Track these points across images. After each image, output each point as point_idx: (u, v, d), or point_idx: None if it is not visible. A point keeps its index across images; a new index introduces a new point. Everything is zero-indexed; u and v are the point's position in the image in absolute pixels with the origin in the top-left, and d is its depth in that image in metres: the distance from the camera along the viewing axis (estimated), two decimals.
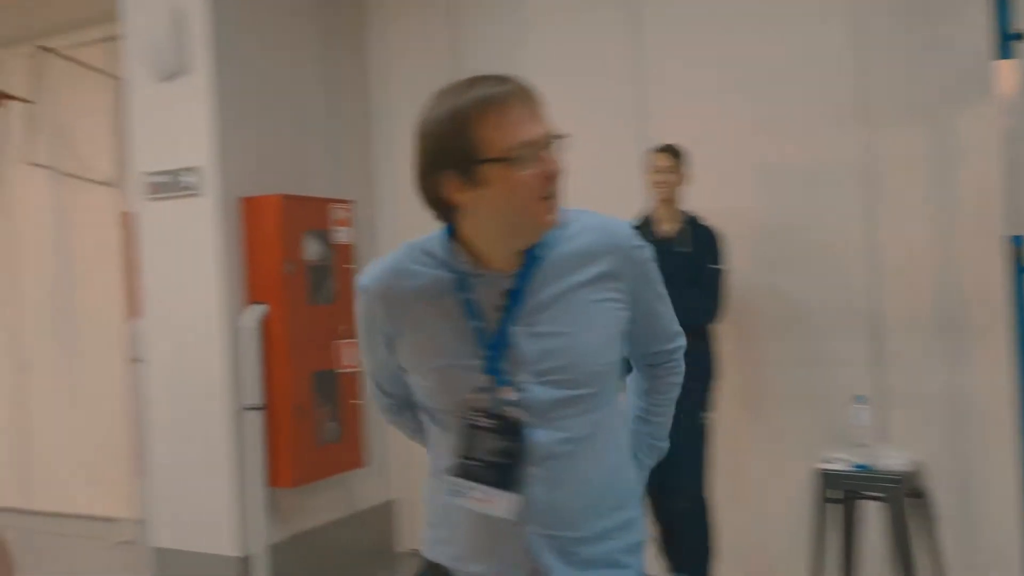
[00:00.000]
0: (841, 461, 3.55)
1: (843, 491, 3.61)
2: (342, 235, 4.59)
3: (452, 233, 1.54)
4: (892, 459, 3.51)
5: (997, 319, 3.52)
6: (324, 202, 4.55)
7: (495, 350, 1.50)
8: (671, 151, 3.85)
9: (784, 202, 4.15)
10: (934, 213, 3.88)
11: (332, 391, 4.48)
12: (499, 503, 1.48)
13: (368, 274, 1.60)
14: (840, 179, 4.04)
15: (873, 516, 3.76)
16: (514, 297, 1.51)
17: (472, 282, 1.52)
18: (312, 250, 4.42)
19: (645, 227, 3.87)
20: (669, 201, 3.86)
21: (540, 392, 1.50)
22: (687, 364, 3.84)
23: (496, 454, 1.48)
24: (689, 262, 3.75)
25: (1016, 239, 2.86)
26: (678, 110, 4.27)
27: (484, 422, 1.49)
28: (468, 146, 1.43)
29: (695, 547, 3.77)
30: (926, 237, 3.90)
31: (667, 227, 3.86)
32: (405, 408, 1.73)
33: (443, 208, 1.51)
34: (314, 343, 4.39)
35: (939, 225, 3.88)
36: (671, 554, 3.88)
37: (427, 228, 4.44)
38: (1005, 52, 2.80)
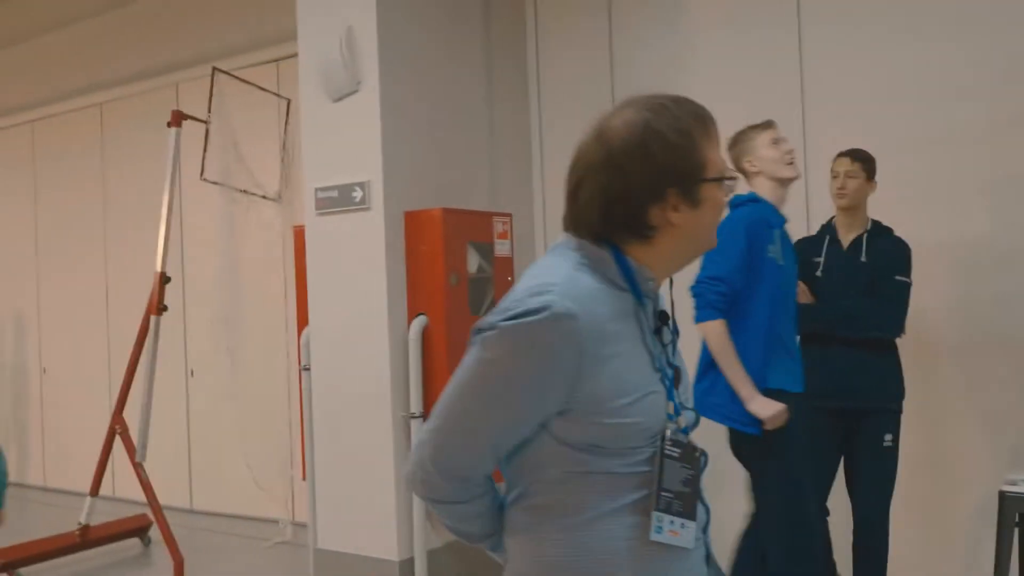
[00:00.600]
0: None
1: None
2: (502, 248, 4.68)
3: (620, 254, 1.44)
4: None
5: None
6: (485, 215, 4.65)
7: (670, 376, 1.46)
8: (853, 155, 3.67)
9: (962, 217, 4.02)
10: None
11: None
12: (687, 533, 1.44)
13: (564, 295, 1.34)
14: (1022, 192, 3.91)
15: None
16: (669, 319, 1.49)
17: (644, 304, 1.46)
18: (474, 262, 4.52)
19: (824, 234, 3.77)
20: (851, 208, 3.69)
21: (692, 416, 1.50)
22: (869, 383, 3.67)
23: (684, 484, 1.43)
24: (867, 272, 3.61)
25: None
26: (843, 124, 4.19)
27: (673, 451, 1.42)
28: (697, 165, 1.40)
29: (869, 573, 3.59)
30: None
31: (846, 235, 3.72)
32: (486, 481, 1.51)
33: (637, 227, 1.41)
34: None
35: None
36: None
37: None
38: None
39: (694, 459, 1.45)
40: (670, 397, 1.44)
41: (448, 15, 4.79)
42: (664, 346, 1.47)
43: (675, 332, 1.52)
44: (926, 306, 3.93)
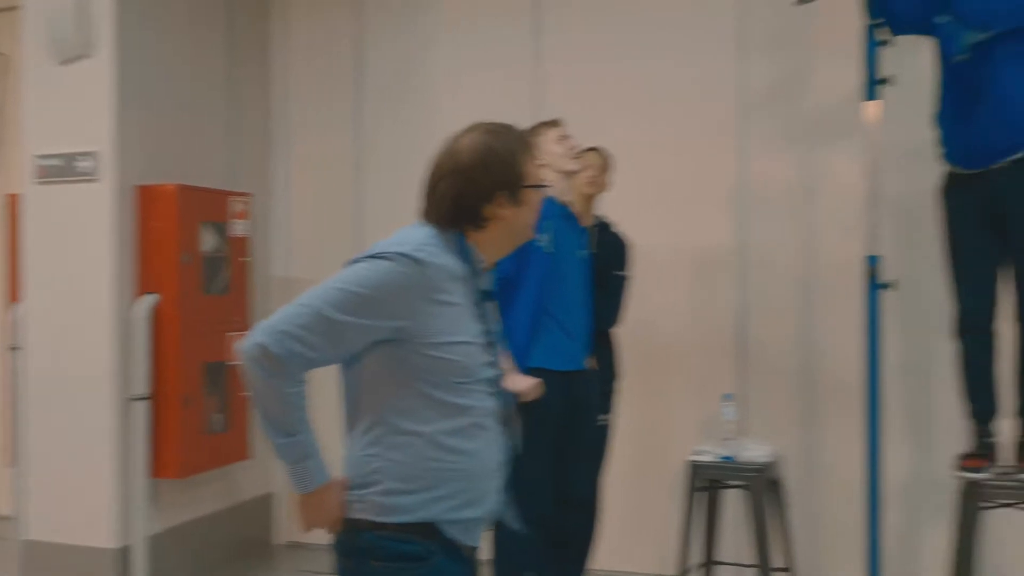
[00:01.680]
0: (709, 453, 3.92)
1: (710, 480, 3.99)
2: (239, 228, 4.63)
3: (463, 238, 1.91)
4: (753, 451, 3.89)
5: (850, 328, 3.97)
6: (222, 194, 4.58)
7: (489, 338, 1.90)
8: (604, 154, 3.96)
9: (667, 214, 4.52)
10: (800, 230, 4.36)
11: (222, 382, 4.51)
12: (517, 438, 1.96)
13: (418, 249, 1.78)
14: (718, 197, 4.48)
15: (733, 503, 4.16)
16: (491, 296, 1.96)
17: (478, 275, 1.90)
18: (208, 241, 4.44)
19: None
20: (588, 204, 3.94)
21: (500, 371, 1.94)
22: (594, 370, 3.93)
23: (506, 414, 1.92)
24: (592, 265, 3.82)
25: (872, 259, 3.30)
26: (578, 124, 4.51)
27: (496, 390, 1.89)
28: (520, 174, 1.89)
29: (582, 546, 3.81)
30: (792, 252, 4.38)
31: None
32: (303, 377, 1.81)
33: (476, 219, 1.88)
34: (206, 334, 4.41)
35: (804, 242, 4.37)
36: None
37: (319, 222, 4.73)
38: (872, 94, 3.23)
39: (508, 395, 1.95)
40: (489, 353, 1.88)
41: None
42: (485, 316, 1.89)
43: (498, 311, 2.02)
44: (656, 299, 4.42)
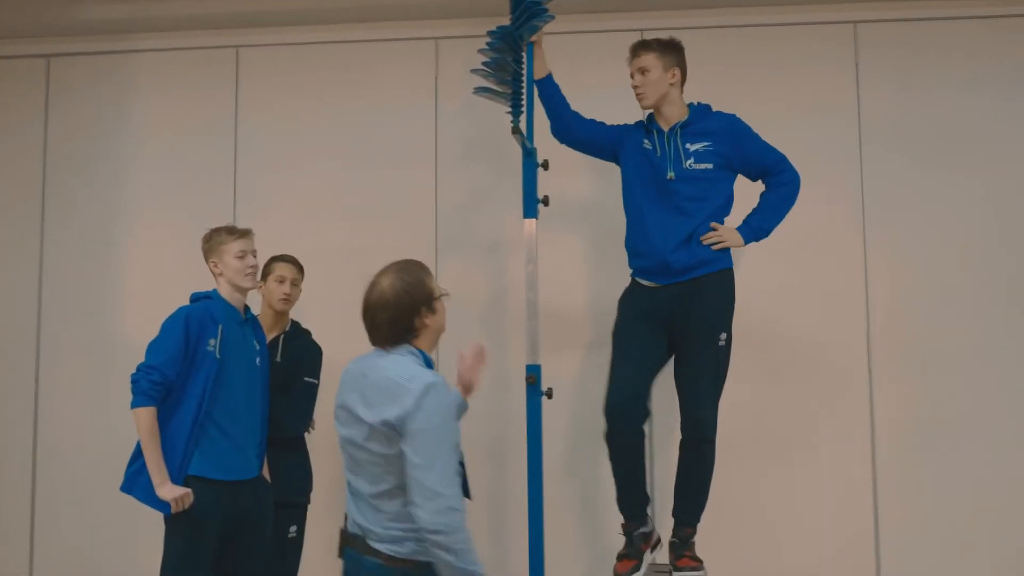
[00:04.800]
0: None
1: None
2: None
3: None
4: None
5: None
6: None
7: None
8: (298, 264, 4.01)
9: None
10: (489, 340, 4.50)
11: None
12: None
13: (433, 376, 2.54)
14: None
15: None
16: None
17: None
18: None
19: None
20: (283, 313, 3.99)
21: None
22: (277, 478, 3.83)
23: None
24: (281, 372, 3.86)
25: (530, 367, 3.45)
26: (272, 230, 4.51)
27: None
28: (430, 291, 2.66)
29: None
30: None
31: (267, 335, 3.90)
32: None
33: (412, 331, 2.64)
34: None
35: (492, 351, 4.47)
36: None
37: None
38: (531, 212, 3.44)
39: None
40: None
41: None
42: None
43: None
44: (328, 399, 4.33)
